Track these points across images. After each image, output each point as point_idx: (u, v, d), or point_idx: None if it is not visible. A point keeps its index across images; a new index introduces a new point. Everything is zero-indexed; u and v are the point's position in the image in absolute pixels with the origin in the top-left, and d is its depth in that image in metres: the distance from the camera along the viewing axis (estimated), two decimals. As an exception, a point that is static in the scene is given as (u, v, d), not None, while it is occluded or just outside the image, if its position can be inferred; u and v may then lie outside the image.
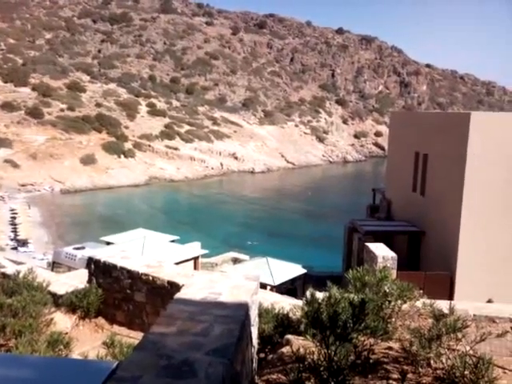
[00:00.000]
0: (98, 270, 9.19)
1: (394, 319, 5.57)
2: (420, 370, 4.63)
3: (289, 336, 6.21)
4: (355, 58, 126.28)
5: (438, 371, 4.52)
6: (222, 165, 76.01)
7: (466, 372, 4.06)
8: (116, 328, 8.68)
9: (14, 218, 47.21)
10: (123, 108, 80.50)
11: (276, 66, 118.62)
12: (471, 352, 4.55)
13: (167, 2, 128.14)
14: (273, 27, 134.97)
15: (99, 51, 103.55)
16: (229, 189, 66.65)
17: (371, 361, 4.61)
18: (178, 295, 4.41)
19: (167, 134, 77.77)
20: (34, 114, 69.84)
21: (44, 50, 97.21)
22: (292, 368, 4.58)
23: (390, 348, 5.27)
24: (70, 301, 8.80)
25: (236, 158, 79.10)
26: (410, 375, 4.51)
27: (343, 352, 4.36)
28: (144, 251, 21.15)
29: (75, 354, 6.56)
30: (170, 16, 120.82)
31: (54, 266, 24.58)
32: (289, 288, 20.86)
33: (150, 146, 73.60)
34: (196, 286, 4.66)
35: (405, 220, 24.00)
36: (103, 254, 9.69)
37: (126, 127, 75.77)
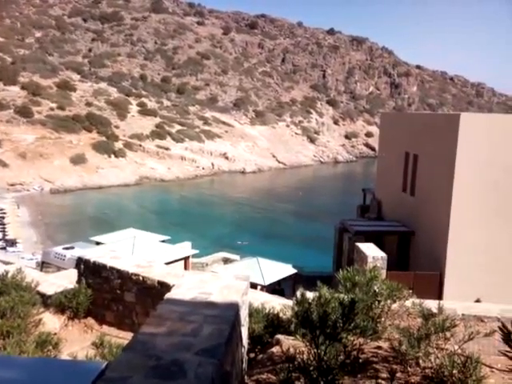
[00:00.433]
0: (88, 270, 9.14)
1: (383, 319, 5.60)
2: (409, 369, 4.66)
3: (279, 336, 6.22)
4: (346, 59, 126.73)
5: (427, 370, 4.55)
6: (212, 165, 75.90)
7: (454, 371, 4.09)
8: (105, 328, 8.65)
9: (3, 217, 46.81)
10: (114, 107, 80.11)
11: (267, 67, 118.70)
12: (459, 351, 4.58)
13: (158, 1, 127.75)
14: (264, 27, 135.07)
15: (90, 50, 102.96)
16: (220, 189, 66.58)
17: (361, 360, 4.63)
18: (168, 295, 4.40)
19: (158, 133, 77.50)
20: (24, 112, 69.27)
21: (34, 48, 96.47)
22: (282, 368, 4.59)
23: (379, 347, 5.30)
24: (58, 301, 8.74)
25: (227, 158, 79.03)
26: (398, 374, 4.54)
27: (333, 352, 4.37)
28: (134, 251, 21.04)
29: (64, 355, 6.51)
30: (161, 15, 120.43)
31: (43, 266, 24.38)
32: (275, 289, 20.82)
33: (140, 145, 73.31)
34: (186, 286, 4.65)
35: (395, 220, 24.13)
36: (93, 253, 9.64)
37: (117, 127, 75.40)
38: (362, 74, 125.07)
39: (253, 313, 6.82)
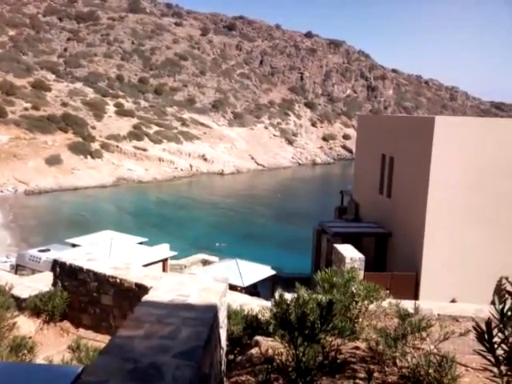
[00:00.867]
0: (64, 272, 8.99)
1: (361, 319, 5.66)
2: (386, 369, 4.71)
3: (258, 337, 6.23)
4: (324, 62, 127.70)
5: (404, 370, 4.61)
6: (191, 166, 75.53)
7: (430, 370, 4.16)
8: (82, 332, 8.52)
9: (-25, 220, 45.70)
10: (90, 108, 79.05)
11: (245, 68, 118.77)
12: (435, 351, 4.66)
13: (135, 1, 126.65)
14: (242, 29, 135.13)
15: (65, 50, 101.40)
16: (198, 190, 66.30)
17: (339, 361, 4.67)
18: (145, 298, 4.36)
19: (135, 134, 76.77)
20: (-3, 112, 67.81)
21: (7, 47, 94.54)
22: (261, 369, 4.60)
23: (357, 348, 5.35)
24: (33, 304, 8.59)
25: (205, 160, 78.75)
26: (376, 374, 4.59)
27: (311, 353, 4.40)
28: (111, 253, 20.81)
29: (39, 359, 6.40)
30: (138, 16, 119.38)
31: (18, 268, 23.89)
32: (251, 292, 20.80)
33: (117, 146, 72.49)
34: (164, 289, 4.61)
35: (372, 222, 24.41)
36: (69, 256, 9.50)
37: (93, 127, 74.43)
38: (339, 76, 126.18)
39: (231, 314, 6.81)
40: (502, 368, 3.03)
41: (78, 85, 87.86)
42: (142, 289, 7.81)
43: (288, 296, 5.16)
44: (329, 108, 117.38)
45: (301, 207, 56.36)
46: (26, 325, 8.10)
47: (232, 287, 18.56)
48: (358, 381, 4.50)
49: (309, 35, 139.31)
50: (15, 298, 8.73)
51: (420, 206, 19.71)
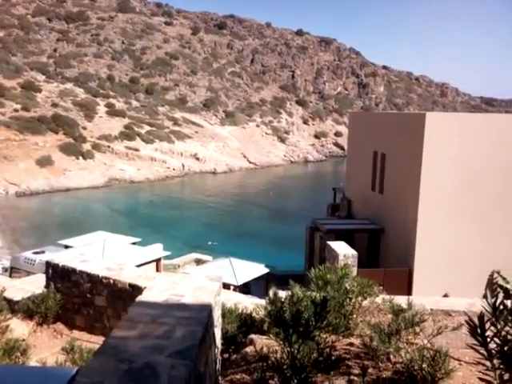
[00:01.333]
0: (56, 274, 8.95)
1: (354, 316, 5.68)
2: (380, 364, 4.74)
3: (252, 335, 6.24)
4: (314, 60, 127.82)
5: (398, 365, 4.64)
6: (183, 165, 75.36)
7: (423, 365, 4.19)
8: (76, 333, 8.49)
9: (-34, 222, 45.29)
10: (81, 108, 78.61)
11: (236, 67, 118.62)
12: (429, 345, 4.69)
13: (125, 1, 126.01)
14: (233, 28, 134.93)
15: (55, 50, 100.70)
16: (191, 190, 66.18)
17: (333, 357, 4.68)
18: (139, 298, 4.36)
19: (127, 134, 76.45)
20: (-14, 114, 67.24)
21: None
22: (256, 367, 4.61)
23: (351, 344, 5.38)
24: (26, 307, 8.54)
25: (197, 159, 78.60)
26: (370, 370, 4.62)
27: (306, 350, 4.41)
28: (104, 254, 20.73)
29: (33, 362, 6.37)
30: (128, 15, 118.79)
31: (12, 271, 23.74)
32: (243, 291, 20.82)
33: (109, 146, 72.15)
34: (158, 289, 4.60)
35: (365, 218, 24.49)
36: (61, 257, 9.45)
37: (84, 128, 74.03)
38: (331, 74, 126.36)
39: (226, 313, 6.81)
40: (495, 361, 3.06)
41: (69, 85, 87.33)
42: (136, 289, 7.79)
43: (282, 294, 5.17)
44: (320, 105, 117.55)
45: (293, 205, 56.43)
46: (19, 327, 8.06)
47: (226, 286, 18.57)
48: (352, 377, 4.52)
49: (299, 33, 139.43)
50: (8, 300, 8.68)
51: (412, 202, 19.81)
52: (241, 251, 30.20)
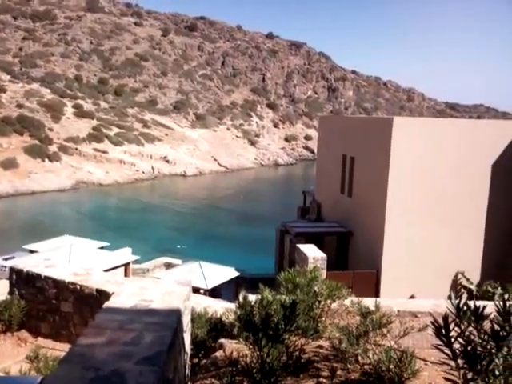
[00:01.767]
0: (21, 280, 8.72)
1: (324, 318, 5.73)
2: (349, 366, 4.79)
3: (222, 340, 6.22)
4: (285, 63, 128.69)
5: (366, 366, 4.70)
6: (153, 168, 74.58)
7: (391, 366, 4.26)
8: (41, 341, 8.28)
9: None
10: (47, 109, 76.88)
11: (207, 69, 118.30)
12: (396, 346, 4.77)
13: (94, 0, 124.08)
14: (204, 30, 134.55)
15: (20, 49, 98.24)
16: (160, 193, 65.54)
17: (302, 360, 4.71)
18: (107, 304, 4.28)
19: (95, 136, 75.19)
20: None
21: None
22: (225, 372, 4.59)
23: (320, 347, 5.42)
24: (-11, 314, 8.28)
25: (167, 162, 77.94)
26: (339, 372, 4.66)
27: (275, 353, 4.43)
28: (71, 259, 20.32)
29: (-5, 371, 6.17)
30: (96, 15, 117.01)
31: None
32: (212, 295, 20.69)
33: (76, 149, 70.80)
34: (126, 294, 4.54)
35: (334, 221, 24.75)
36: (26, 263, 9.21)
37: (51, 129, 72.42)
38: (301, 78, 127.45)
39: (195, 318, 6.77)
40: (459, 361, 3.13)
41: (35, 85, 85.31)
42: (104, 295, 7.66)
43: (252, 297, 5.18)
44: (290, 109, 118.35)
45: (264, 208, 56.58)
46: (-19, 335, 7.81)
47: (195, 290, 18.46)
48: (321, 379, 4.56)
49: (270, 36, 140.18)
50: (-31, 307, 8.40)
51: (380, 205, 20.13)
52: (211, 255, 30.08)
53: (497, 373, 2.96)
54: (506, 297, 13.92)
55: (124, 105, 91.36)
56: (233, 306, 6.18)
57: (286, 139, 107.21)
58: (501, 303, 3.19)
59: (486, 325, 3.19)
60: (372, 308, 5.39)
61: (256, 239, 39.36)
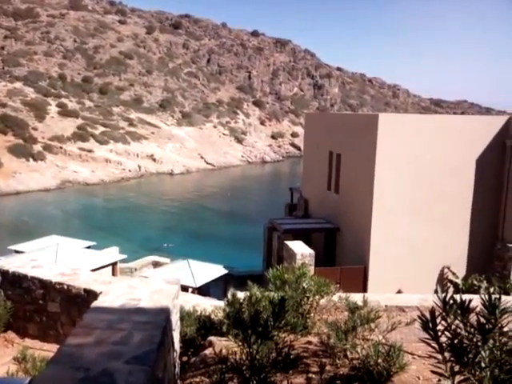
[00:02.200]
0: (6, 281, 8.62)
1: (312, 314, 5.77)
2: (337, 361, 4.83)
3: (211, 338, 6.22)
4: (271, 61, 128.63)
5: (354, 361, 4.74)
6: (139, 167, 74.13)
7: (379, 360, 4.30)
8: (28, 342, 8.21)
9: None
10: (31, 108, 75.94)
11: (193, 67, 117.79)
12: (383, 341, 4.82)
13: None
14: (188, 28, 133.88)
15: (3, 48, 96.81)
16: (147, 191, 65.20)
17: (292, 356, 4.74)
18: (95, 303, 4.26)
19: (80, 135, 74.48)
20: None
21: None
22: (215, 369, 4.60)
23: (309, 342, 5.45)
24: (-26, 316, 8.17)
25: (154, 160, 77.52)
26: (328, 367, 4.70)
27: (265, 350, 4.44)
28: (57, 259, 20.13)
29: (-18, 373, 6.11)
30: (79, 13, 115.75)
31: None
32: (201, 293, 20.67)
33: (61, 148, 70.07)
34: (114, 293, 4.52)
35: (321, 217, 24.86)
36: (12, 263, 9.11)
37: (35, 129, 71.57)
38: (286, 75, 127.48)
39: (184, 316, 6.76)
40: (446, 354, 3.17)
41: (18, 84, 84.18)
42: (92, 294, 7.61)
43: (241, 294, 5.19)
44: (277, 106, 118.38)
45: (251, 205, 56.60)
46: (-34, 338, 7.71)
47: (184, 288, 18.42)
48: (310, 375, 4.59)
49: (255, 34, 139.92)
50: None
51: (366, 201, 20.27)
52: (199, 253, 30.02)
53: (483, 365, 3.00)
54: (492, 290, 14.12)
55: (109, 103, 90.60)
56: (222, 303, 6.19)
57: (273, 136, 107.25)
58: (486, 296, 3.24)
59: (472, 318, 3.23)
60: (360, 303, 5.44)
61: (244, 237, 39.38)
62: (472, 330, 3.15)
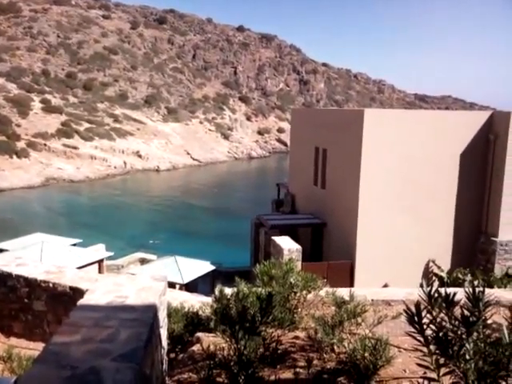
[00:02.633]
0: (-9, 280, 8.51)
1: (299, 309, 5.80)
2: (325, 355, 4.86)
3: (199, 334, 6.22)
4: (256, 56, 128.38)
5: (341, 355, 4.78)
6: (125, 163, 73.59)
7: (366, 354, 4.34)
8: (14, 340, 8.13)
9: None
10: (14, 105, 74.89)
11: (178, 63, 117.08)
12: (370, 335, 4.86)
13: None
14: (173, 23, 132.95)
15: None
16: (133, 188, 64.80)
17: (279, 351, 4.76)
18: (81, 301, 4.23)
19: (64, 131, 73.68)
20: None
21: None
22: (203, 365, 4.61)
23: (296, 337, 5.48)
24: (-42, 316, 8.07)
25: (140, 156, 77.02)
26: (315, 362, 4.73)
27: (252, 345, 4.46)
28: (43, 257, 19.94)
29: (-33, 373, 6.03)
30: (63, 8, 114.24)
31: None
32: (189, 289, 20.66)
33: (45, 144, 69.27)
34: (101, 291, 4.49)
35: (308, 213, 24.95)
36: (-4, 262, 9.00)
37: (18, 125, 70.63)
38: (272, 71, 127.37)
39: (172, 313, 6.75)
40: (431, 347, 3.21)
41: (0, 80, 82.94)
42: (78, 292, 7.55)
43: (228, 290, 5.19)
44: (263, 102, 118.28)
45: (238, 201, 56.58)
46: (-50, 337, 7.61)
47: (171, 285, 18.38)
48: (298, 369, 4.62)
49: (241, 29, 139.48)
50: None
51: (353, 196, 20.39)
52: (186, 249, 29.96)
53: (467, 357, 3.05)
54: (476, 283, 14.32)
55: (94, 99, 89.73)
56: (209, 299, 6.19)
57: (259, 132, 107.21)
58: (470, 289, 3.29)
59: (457, 311, 3.27)
60: (347, 298, 5.48)
61: (231, 233, 39.38)
62: (456, 322, 3.19)
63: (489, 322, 3.26)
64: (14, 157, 63.97)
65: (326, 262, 20.82)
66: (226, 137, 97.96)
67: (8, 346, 7.18)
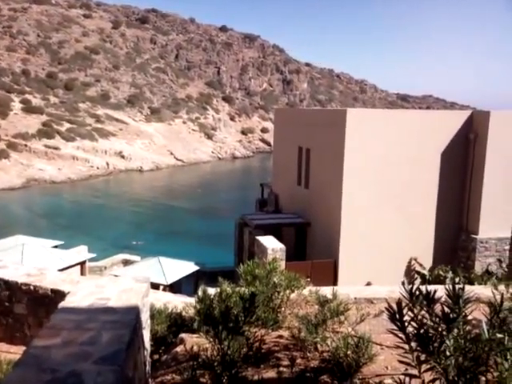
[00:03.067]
0: (-30, 283, 8.36)
1: (283, 308, 5.81)
2: (308, 354, 4.88)
3: (183, 335, 6.20)
4: (240, 56, 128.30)
5: (325, 354, 4.80)
6: (108, 164, 72.92)
7: (348, 352, 4.36)
8: (-6, 345, 8.00)
9: None
10: (-7, 105, 73.74)
11: (161, 63, 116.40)
12: (353, 333, 4.90)
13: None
14: (156, 23, 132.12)
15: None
16: (116, 189, 64.24)
17: (263, 351, 4.77)
18: (62, 304, 4.18)
19: (45, 132, 72.72)
20: None
21: None
22: (186, 366, 4.59)
23: (280, 336, 5.49)
24: None
25: (123, 157, 76.39)
26: (299, 360, 4.75)
27: (236, 345, 4.45)
28: (24, 259, 19.65)
29: None
30: (43, 7, 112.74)
31: None
32: (172, 290, 20.56)
33: (26, 145, 68.28)
34: (82, 293, 4.45)
35: (292, 212, 25.02)
36: (-25, 265, 8.85)
37: (-3, 126, 69.56)
38: (256, 70, 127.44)
39: (155, 314, 6.72)
40: (413, 344, 3.24)
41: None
42: (59, 295, 7.47)
43: (212, 291, 5.18)
44: (246, 102, 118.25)
45: (222, 201, 56.49)
46: None
47: (155, 286, 18.27)
48: (281, 368, 4.62)
49: (224, 29, 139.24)
50: None
51: (336, 195, 20.51)
52: (170, 250, 29.81)
53: (448, 353, 3.08)
54: (457, 280, 14.52)
55: (75, 99, 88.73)
56: (193, 300, 6.17)
57: (243, 132, 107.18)
58: (450, 286, 3.33)
59: (438, 308, 3.31)
60: (330, 296, 5.51)
61: (215, 233, 39.29)
62: (437, 319, 3.23)
63: (469, 318, 3.30)
64: (-6, 158, 62.96)
65: (309, 260, 20.91)
66: (209, 137, 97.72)
67: (-12, 350, 7.07)
